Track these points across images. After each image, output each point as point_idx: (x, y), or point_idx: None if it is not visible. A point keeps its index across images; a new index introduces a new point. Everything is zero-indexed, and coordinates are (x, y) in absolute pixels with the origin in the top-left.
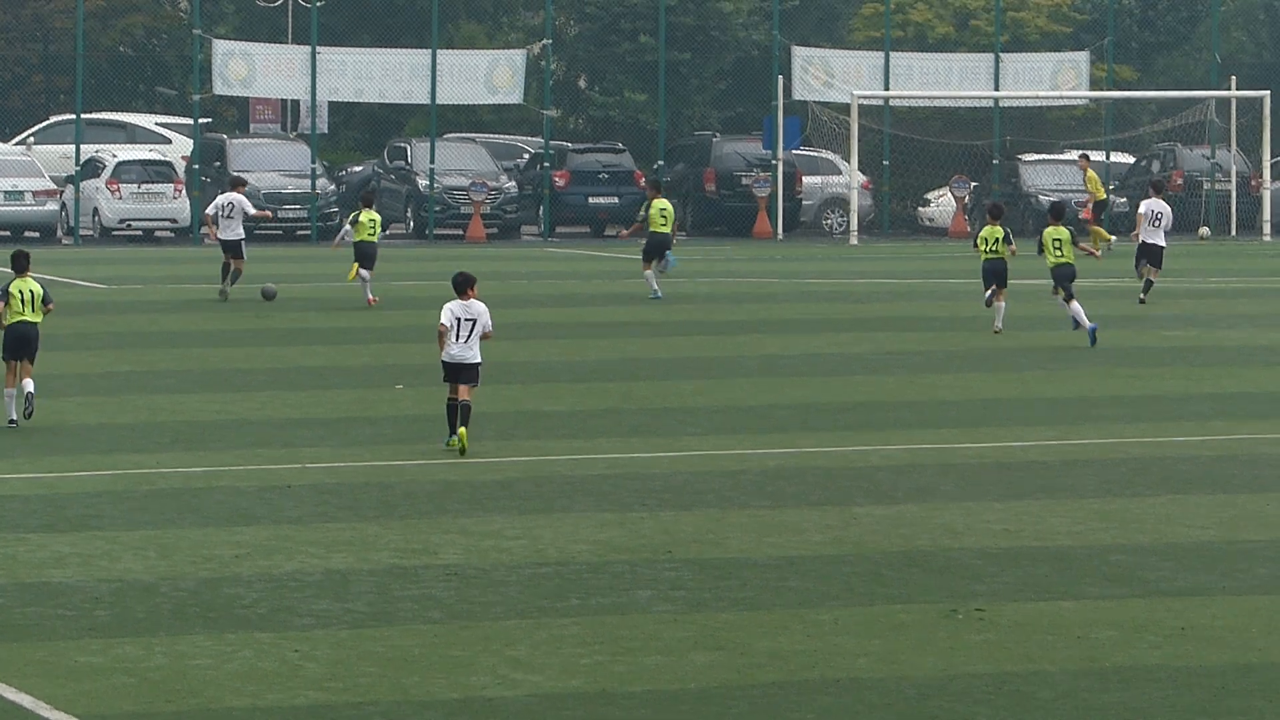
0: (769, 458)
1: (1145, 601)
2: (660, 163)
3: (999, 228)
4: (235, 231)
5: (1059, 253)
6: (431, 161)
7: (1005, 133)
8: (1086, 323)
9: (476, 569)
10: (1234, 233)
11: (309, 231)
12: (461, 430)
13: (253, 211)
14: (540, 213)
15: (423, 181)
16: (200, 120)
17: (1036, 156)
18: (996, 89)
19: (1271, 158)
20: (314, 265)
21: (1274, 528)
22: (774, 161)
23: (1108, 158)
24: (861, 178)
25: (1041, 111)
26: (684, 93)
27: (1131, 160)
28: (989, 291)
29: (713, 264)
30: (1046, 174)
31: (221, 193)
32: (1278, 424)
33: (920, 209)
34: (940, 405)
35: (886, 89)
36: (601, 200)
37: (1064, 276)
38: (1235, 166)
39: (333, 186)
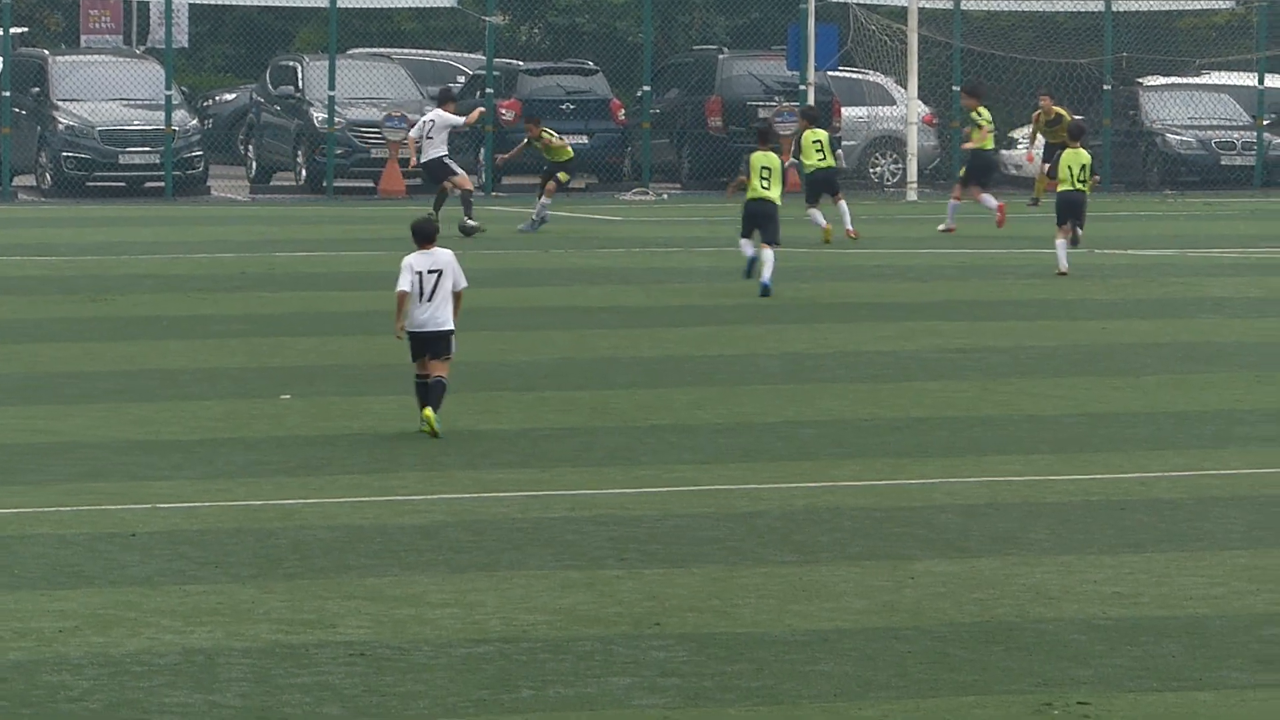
0: (794, 494)
1: None
2: (646, 88)
3: (1083, 152)
4: (438, 149)
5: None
6: (330, 87)
7: (1120, 49)
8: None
9: (390, 648)
10: None
11: (162, 183)
12: (428, 412)
13: (460, 121)
14: (481, 157)
15: (318, 115)
16: (11, 30)
17: (1164, 80)
18: None
19: None
20: (170, 229)
21: None
22: (803, 87)
23: (1261, 82)
24: (923, 109)
25: (1170, 19)
26: None
27: None
28: (1062, 232)
29: (716, 229)
30: (1177, 104)
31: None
32: None
33: (1004, 152)
34: (1029, 422)
35: None
36: (565, 139)
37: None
38: None
39: (195, 121)
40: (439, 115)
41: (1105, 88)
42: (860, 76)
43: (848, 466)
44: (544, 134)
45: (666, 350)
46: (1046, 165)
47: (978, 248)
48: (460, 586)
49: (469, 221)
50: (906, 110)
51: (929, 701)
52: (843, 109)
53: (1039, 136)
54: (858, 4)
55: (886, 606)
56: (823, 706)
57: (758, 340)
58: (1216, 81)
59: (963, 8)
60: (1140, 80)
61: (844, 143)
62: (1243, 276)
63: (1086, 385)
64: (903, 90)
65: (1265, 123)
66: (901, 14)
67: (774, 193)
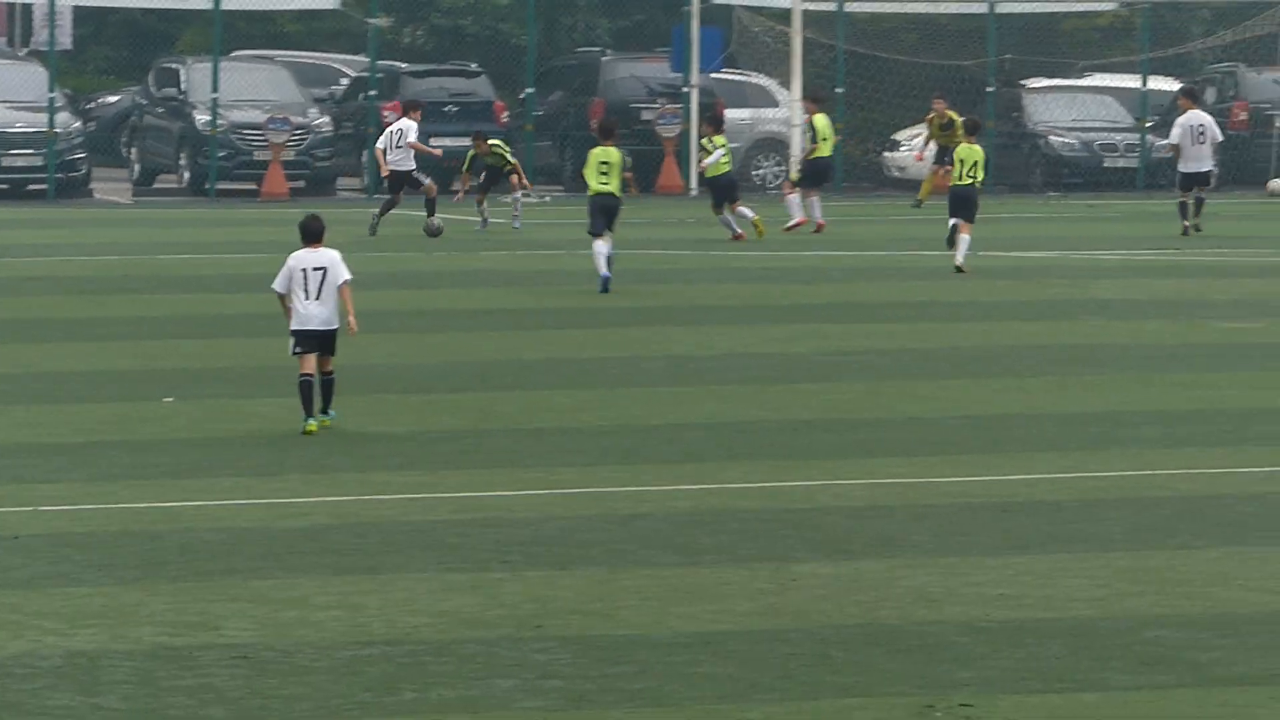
0: (678, 496)
1: (1194, 693)
2: (530, 90)
3: (978, 148)
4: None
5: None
6: (214, 90)
7: (1004, 51)
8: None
9: (274, 651)
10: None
11: (44, 185)
12: (324, 421)
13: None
14: (364, 159)
15: (202, 117)
16: None
17: (1047, 83)
18: None
19: None
20: (53, 232)
21: None
22: (686, 89)
23: (1144, 83)
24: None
25: (1054, 21)
26: None
27: (1177, 87)
28: (952, 225)
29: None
30: (1060, 106)
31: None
32: None
33: (887, 154)
34: (913, 424)
35: None
36: (448, 142)
37: (963, 201)
38: None
39: (78, 123)
40: (407, 124)
41: (989, 89)
42: (744, 79)
43: (732, 469)
44: (494, 148)
45: (551, 353)
46: (937, 168)
47: (861, 249)
48: (344, 589)
49: (435, 222)
50: (790, 112)
51: (812, 703)
52: (727, 110)
53: (931, 140)
54: (741, 6)
55: (770, 608)
56: (706, 709)
57: (642, 343)
58: (1100, 84)
59: (846, 10)
60: (1024, 82)
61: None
62: (1125, 279)
63: (970, 387)
64: (786, 92)
65: (1148, 125)
66: (785, 16)
67: (613, 186)
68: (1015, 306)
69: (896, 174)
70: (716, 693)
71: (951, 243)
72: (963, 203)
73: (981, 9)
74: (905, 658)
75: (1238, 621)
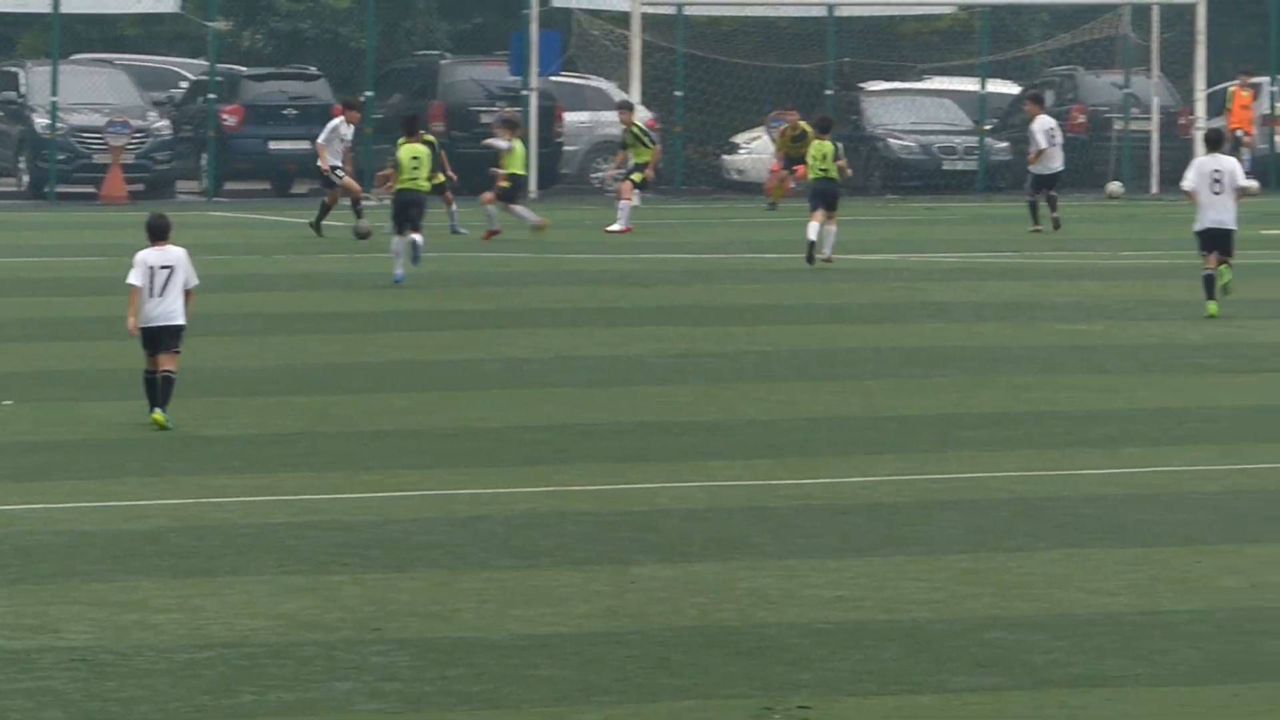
0: (515, 499)
1: (1031, 695)
2: (369, 93)
3: (828, 142)
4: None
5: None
6: (53, 93)
7: (843, 54)
8: (827, 249)
9: (113, 654)
10: (1155, 189)
11: None
12: (158, 415)
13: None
14: (203, 162)
15: (41, 121)
16: None
17: (886, 86)
18: None
19: (1207, 87)
20: None
21: (1204, 593)
22: (525, 92)
23: (983, 86)
24: (646, 114)
25: (893, 24)
26: None
27: (1016, 90)
28: (815, 216)
29: (439, 234)
30: (899, 109)
31: None
32: (1211, 450)
33: (726, 157)
34: (751, 426)
35: None
36: (287, 145)
37: (825, 194)
38: (1157, 99)
39: None
40: (341, 124)
41: (828, 93)
42: (583, 82)
43: (570, 471)
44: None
45: (389, 355)
46: (785, 173)
47: (700, 252)
48: (183, 592)
49: (363, 224)
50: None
51: (650, 706)
52: (565, 113)
53: (782, 151)
54: (580, 9)
55: (608, 611)
56: (544, 711)
57: (479, 345)
58: (939, 86)
59: (685, 13)
60: (862, 85)
61: (566, 148)
62: (963, 281)
63: (808, 389)
64: (625, 95)
65: (987, 128)
66: (624, 19)
67: (421, 181)
68: (854, 309)
69: (736, 177)
70: (554, 695)
71: (812, 247)
72: (823, 196)
73: (820, 12)
74: (743, 660)
75: (1074, 623)
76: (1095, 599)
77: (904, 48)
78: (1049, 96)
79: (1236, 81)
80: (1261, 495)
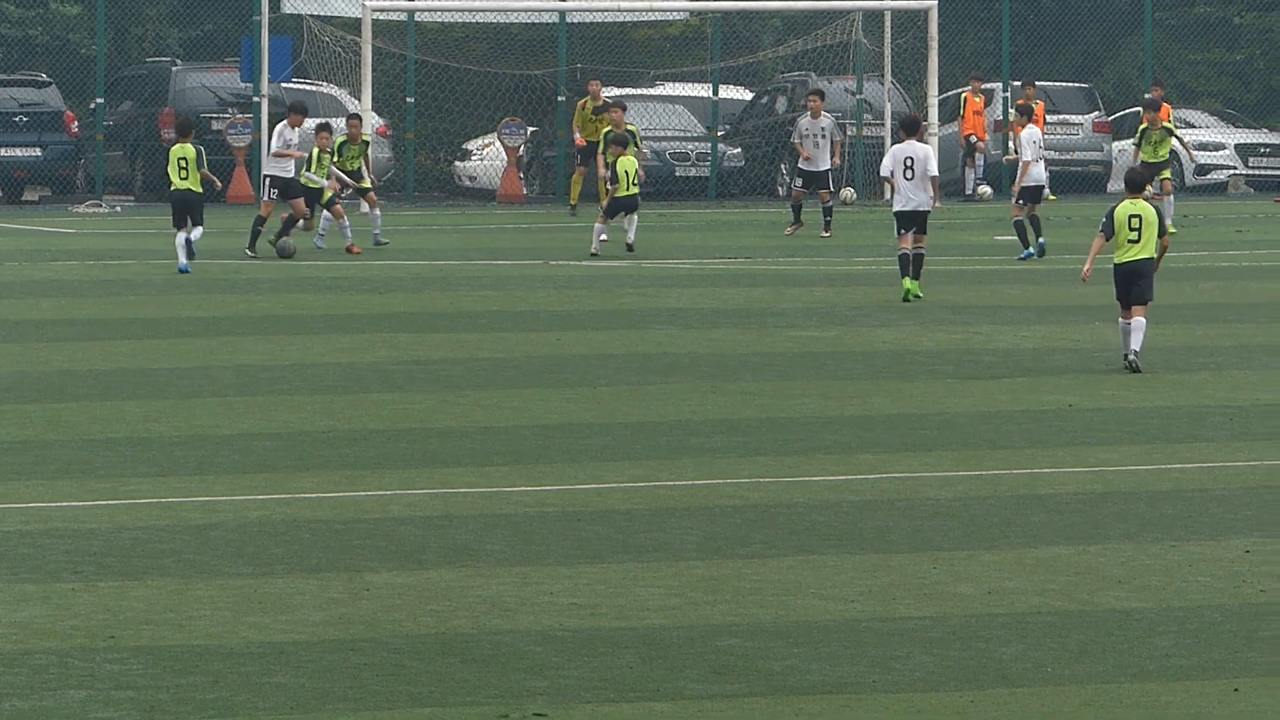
0: (249, 506)
1: (767, 701)
2: (100, 100)
3: (631, 159)
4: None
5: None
6: None
7: (575, 60)
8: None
9: None
10: (889, 194)
11: None
12: None
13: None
14: None
15: None
16: None
17: (618, 92)
18: None
19: (940, 93)
20: None
21: (942, 600)
22: (257, 99)
23: (715, 93)
24: (377, 120)
25: (625, 30)
26: (131, 4)
27: (748, 97)
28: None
29: (168, 241)
30: (632, 115)
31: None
32: (946, 456)
33: (458, 163)
34: (485, 433)
35: None
36: (18, 153)
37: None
38: (890, 105)
39: None
40: (285, 129)
41: (560, 99)
42: (314, 88)
43: (304, 479)
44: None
45: (120, 363)
46: (583, 168)
47: (434, 259)
48: None
49: (289, 242)
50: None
51: (386, 713)
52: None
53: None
54: (311, 16)
55: (342, 618)
56: (279, 718)
57: (211, 352)
58: (671, 93)
59: (416, 20)
60: None
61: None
62: (697, 288)
63: (541, 396)
64: (357, 102)
65: (719, 134)
66: (355, 25)
67: (193, 182)
68: (587, 316)
69: (468, 183)
70: (289, 703)
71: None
72: (628, 204)
73: (552, 18)
74: (479, 667)
75: (809, 630)
76: (831, 605)
77: (636, 54)
78: (781, 103)
79: (969, 87)
80: (996, 501)
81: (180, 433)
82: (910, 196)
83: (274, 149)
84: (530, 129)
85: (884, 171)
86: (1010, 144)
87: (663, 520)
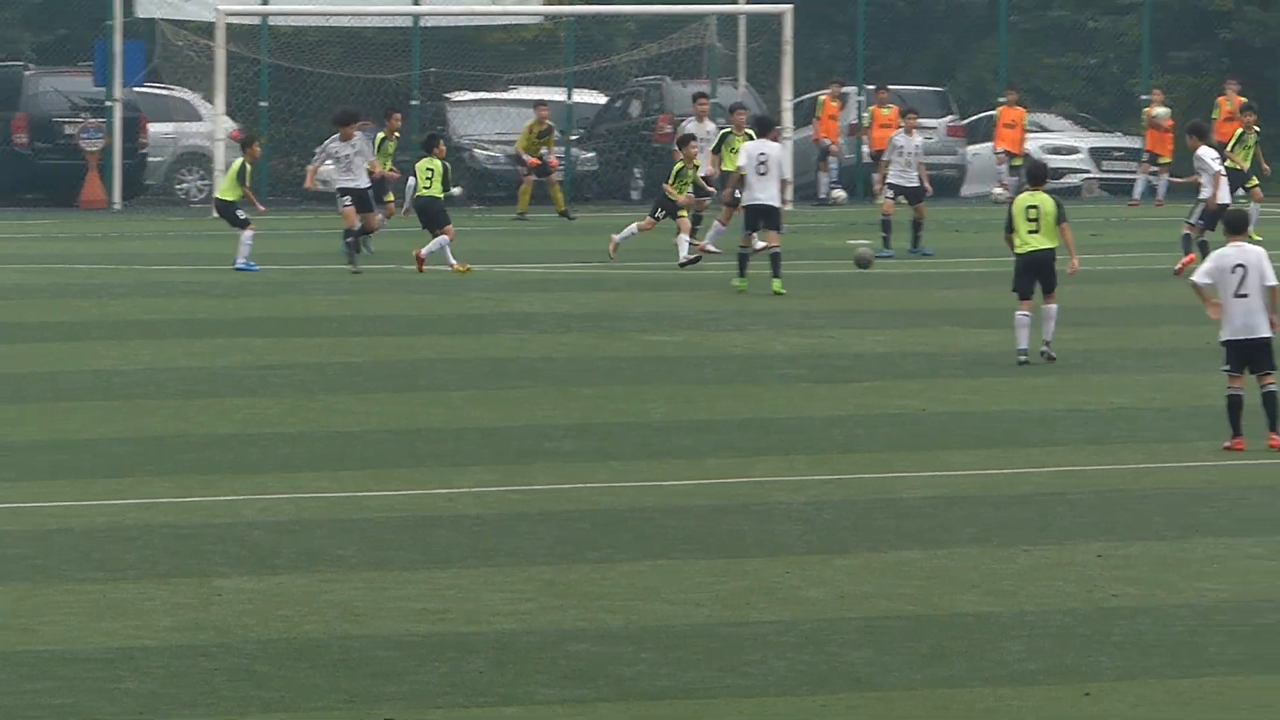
0: (98, 511)
1: (617, 707)
2: None
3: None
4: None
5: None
6: None
7: (429, 64)
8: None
9: None
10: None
11: None
12: None
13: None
14: None
15: None
16: None
17: (472, 96)
18: (416, 3)
19: (794, 97)
20: None
21: (794, 604)
22: (109, 103)
23: (570, 96)
24: (230, 125)
25: (479, 34)
26: None
27: (603, 100)
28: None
29: (26, 245)
30: (486, 119)
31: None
32: (799, 460)
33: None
34: (337, 438)
35: (264, 2)
36: None
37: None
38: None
39: None
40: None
41: (414, 103)
42: (167, 92)
43: (157, 483)
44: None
45: None
46: (531, 176)
47: (287, 264)
48: None
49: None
50: (214, 126)
51: (237, 718)
52: (150, 124)
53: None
54: (164, 20)
55: (193, 624)
56: None
57: (67, 357)
58: (525, 96)
59: (270, 24)
60: (449, 95)
61: (150, 159)
62: (549, 292)
63: (393, 401)
64: (210, 106)
65: (573, 138)
66: (209, 30)
67: None
68: (436, 320)
69: (321, 187)
70: (139, 708)
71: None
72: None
73: (406, 23)
74: (330, 672)
75: (660, 634)
76: (682, 610)
77: (490, 58)
78: (636, 107)
79: (829, 91)
80: (849, 505)
81: (33, 437)
82: (758, 194)
83: (318, 164)
84: (380, 134)
85: (740, 163)
86: (864, 147)
87: (513, 525)
